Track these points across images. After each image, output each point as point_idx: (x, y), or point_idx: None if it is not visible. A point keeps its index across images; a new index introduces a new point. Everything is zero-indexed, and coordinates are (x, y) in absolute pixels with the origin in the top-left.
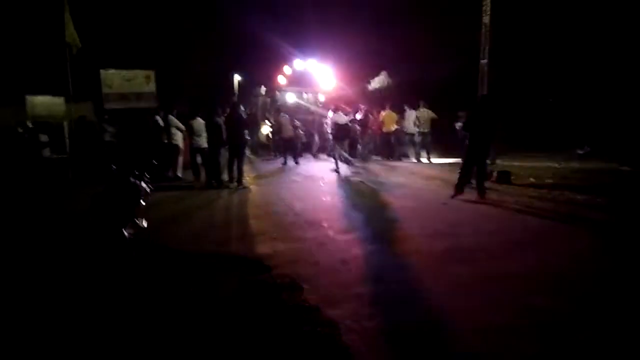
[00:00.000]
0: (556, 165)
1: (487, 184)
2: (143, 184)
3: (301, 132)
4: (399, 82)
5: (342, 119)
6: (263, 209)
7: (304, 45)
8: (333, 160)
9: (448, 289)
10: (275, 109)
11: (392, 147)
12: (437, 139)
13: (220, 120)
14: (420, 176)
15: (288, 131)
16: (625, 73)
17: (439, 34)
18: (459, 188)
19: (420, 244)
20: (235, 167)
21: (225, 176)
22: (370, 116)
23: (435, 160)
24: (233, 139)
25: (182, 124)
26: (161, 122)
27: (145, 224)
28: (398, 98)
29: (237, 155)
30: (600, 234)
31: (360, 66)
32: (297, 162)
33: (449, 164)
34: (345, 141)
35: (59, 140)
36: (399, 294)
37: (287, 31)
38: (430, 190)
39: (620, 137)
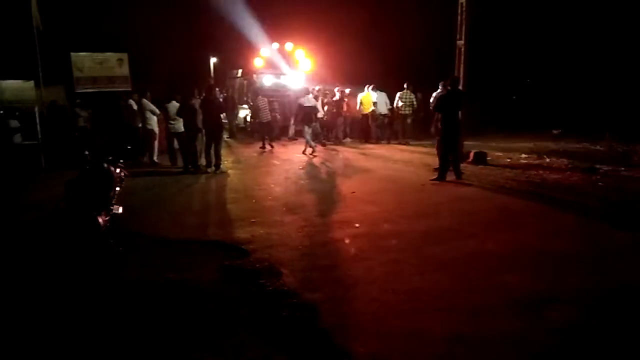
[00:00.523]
0: (531, 145)
1: (463, 165)
2: (117, 170)
3: (278, 115)
4: (377, 62)
5: (309, 101)
6: (241, 193)
7: (281, 27)
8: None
9: (427, 270)
10: (252, 92)
11: (369, 129)
12: (420, 121)
13: (197, 103)
14: (399, 159)
15: (266, 115)
16: (599, 55)
17: (417, 14)
18: (441, 175)
19: (400, 226)
20: (212, 152)
21: (202, 161)
22: (345, 99)
23: (414, 142)
24: (210, 123)
25: (157, 107)
26: (135, 106)
27: (120, 210)
28: (377, 79)
29: (214, 139)
30: (573, 213)
31: (339, 47)
32: (271, 146)
33: (427, 145)
34: (311, 124)
35: (30, 125)
36: (379, 276)
37: (264, 12)
38: (408, 172)
39: (592, 118)
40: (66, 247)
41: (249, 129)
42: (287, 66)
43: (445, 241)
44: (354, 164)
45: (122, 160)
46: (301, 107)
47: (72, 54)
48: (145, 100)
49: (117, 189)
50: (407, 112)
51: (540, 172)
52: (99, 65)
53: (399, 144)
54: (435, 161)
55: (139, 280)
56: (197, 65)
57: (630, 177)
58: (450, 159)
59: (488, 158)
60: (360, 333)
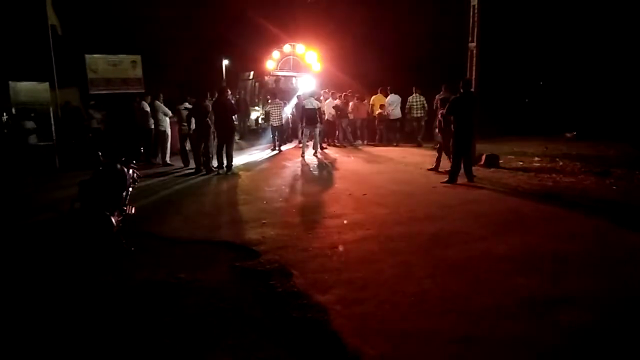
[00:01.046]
0: (544, 148)
1: (475, 168)
2: (130, 171)
3: (290, 117)
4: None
5: (311, 104)
6: (252, 194)
7: (294, 30)
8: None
9: (437, 272)
10: (264, 94)
11: (378, 132)
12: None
13: (209, 105)
14: (410, 161)
15: (277, 117)
16: (614, 57)
17: (429, 17)
18: (452, 178)
19: (411, 228)
20: (224, 153)
21: (214, 162)
22: (351, 102)
23: (426, 144)
24: (222, 125)
25: (170, 109)
26: (147, 108)
27: (133, 210)
28: (388, 82)
29: (226, 141)
30: (586, 216)
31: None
32: (279, 150)
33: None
34: (312, 126)
35: (45, 127)
36: (389, 279)
37: (276, 15)
38: (419, 174)
39: (607, 121)
40: (80, 247)
41: (260, 130)
42: (299, 68)
43: (456, 244)
44: (365, 166)
45: (134, 162)
46: (304, 109)
47: (87, 55)
48: (158, 102)
49: (130, 189)
50: (419, 114)
51: (553, 175)
52: (113, 67)
53: (412, 146)
54: (427, 161)
55: (151, 280)
56: (209, 68)
57: None
58: (462, 162)
59: (500, 161)
60: (370, 335)
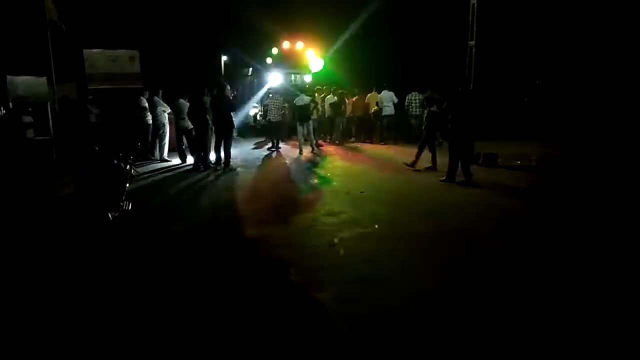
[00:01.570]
0: (542, 148)
1: (473, 167)
2: (128, 167)
3: (287, 114)
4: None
5: (302, 100)
6: (250, 191)
7: (292, 26)
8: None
9: (434, 271)
10: (263, 91)
11: (373, 129)
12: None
13: (207, 101)
14: (407, 159)
15: (275, 114)
16: (615, 56)
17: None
18: (450, 176)
19: (408, 226)
20: (222, 149)
21: (212, 158)
22: (346, 99)
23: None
24: (220, 121)
25: (169, 104)
26: (146, 103)
27: (130, 206)
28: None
29: (224, 137)
30: (582, 216)
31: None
32: (278, 147)
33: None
34: (305, 122)
35: (42, 121)
36: (387, 277)
37: (276, 12)
38: (417, 172)
39: (607, 122)
40: (77, 242)
41: (258, 127)
42: (298, 65)
43: (454, 242)
44: (362, 164)
45: (132, 157)
46: (295, 106)
47: (85, 50)
48: (156, 98)
49: (127, 185)
50: (418, 112)
51: (551, 175)
52: (111, 62)
53: (410, 144)
54: (424, 158)
55: (147, 276)
56: (208, 63)
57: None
58: (460, 160)
59: (498, 160)
60: (368, 334)
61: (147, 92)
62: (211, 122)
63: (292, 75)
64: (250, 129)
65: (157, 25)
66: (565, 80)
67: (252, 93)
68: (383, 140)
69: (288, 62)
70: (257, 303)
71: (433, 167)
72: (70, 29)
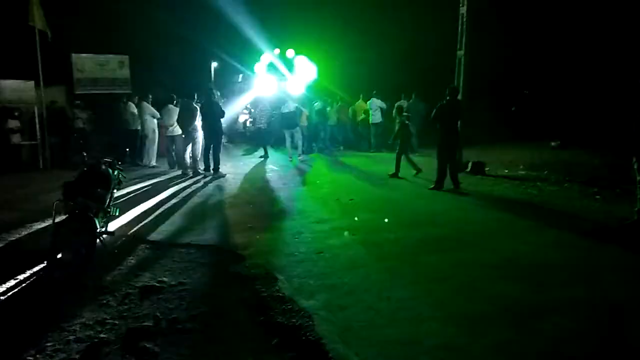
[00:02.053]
0: (529, 157)
1: (461, 175)
2: (115, 172)
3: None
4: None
5: (288, 108)
6: (239, 198)
7: (283, 34)
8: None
9: (422, 279)
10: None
11: (361, 137)
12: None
13: (197, 107)
14: (393, 168)
15: (264, 121)
16: (599, 66)
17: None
18: (438, 184)
19: (397, 234)
20: (211, 156)
21: (200, 164)
22: (329, 107)
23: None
24: (209, 127)
25: (158, 110)
26: (134, 109)
27: (117, 212)
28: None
29: (213, 144)
30: (569, 226)
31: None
32: (266, 153)
33: (426, 154)
34: (292, 130)
35: (29, 126)
36: (375, 284)
37: (267, 19)
38: (405, 180)
39: (592, 130)
40: (63, 249)
41: (247, 133)
42: (289, 73)
43: (441, 250)
44: (351, 171)
45: (120, 163)
46: (281, 113)
47: (73, 55)
48: (145, 103)
49: (115, 191)
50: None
51: (538, 184)
52: (100, 67)
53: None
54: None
55: (134, 282)
56: (198, 70)
57: (627, 191)
58: (447, 168)
59: (486, 168)
60: (355, 341)
61: (136, 98)
62: (200, 128)
63: (282, 83)
64: (240, 136)
65: (147, 31)
66: (553, 88)
67: (242, 100)
68: (372, 148)
69: (279, 69)
70: (243, 311)
71: (394, 174)
72: (60, 34)
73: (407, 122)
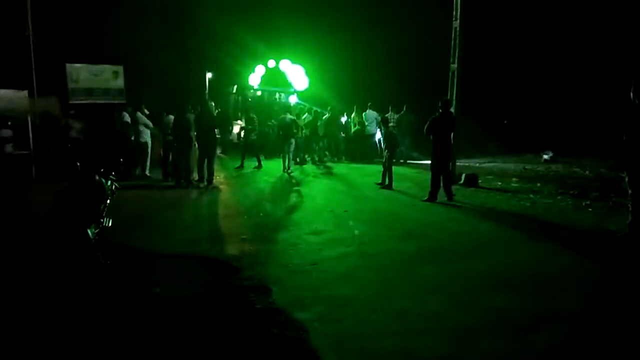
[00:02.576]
0: (522, 169)
1: (455, 187)
2: (109, 183)
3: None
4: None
5: (284, 119)
6: (233, 209)
7: (278, 45)
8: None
9: (416, 290)
10: (246, 108)
11: (357, 148)
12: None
13: (191, 117)
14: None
15: (258, 133)
16: (588, 82)
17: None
18: (432, 196)
19: (391, 245)
20: (205, 166)
21: (195, 175)
22: (322, 118)
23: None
24: (203, 138)
25: (154, 121)
26: (129, 119)
27: (110, 223)
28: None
29: (207, 154)
30: (561, 238)
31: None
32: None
33: (420, 165)
34: (287, 141)
35: (22, 135)
36: (369, 296)
37: (261, 30)
38: (399, 191)
39: (583, 142)
40: (55, 260)
41: (242, 144)
42: (283, 84)
43: (436, 262)
44: (345, 182)
45: (114, 173)
46: (277, 125)
47: (68, 64)
48: (139, 114)
49: (108, 202)
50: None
51: (531, 196)
52: (94, 76)
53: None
54: (407, 177)
55: (126, 294)
56: (193, 80)
57: (618, 204)
58: (440, 180)
59: (480, 181)
60: (349, 353)
61: (130, 108)
62: (195, 138)
63: (277, 94)
64: (234, 146)
65: (142, 42)
66: (545, 100)
67: (237, 110)
68: (365, 159)
69: (273, 80)
70: (238, 323)
71: (387, 186)
72: (54, 43)
73: (393, 132)
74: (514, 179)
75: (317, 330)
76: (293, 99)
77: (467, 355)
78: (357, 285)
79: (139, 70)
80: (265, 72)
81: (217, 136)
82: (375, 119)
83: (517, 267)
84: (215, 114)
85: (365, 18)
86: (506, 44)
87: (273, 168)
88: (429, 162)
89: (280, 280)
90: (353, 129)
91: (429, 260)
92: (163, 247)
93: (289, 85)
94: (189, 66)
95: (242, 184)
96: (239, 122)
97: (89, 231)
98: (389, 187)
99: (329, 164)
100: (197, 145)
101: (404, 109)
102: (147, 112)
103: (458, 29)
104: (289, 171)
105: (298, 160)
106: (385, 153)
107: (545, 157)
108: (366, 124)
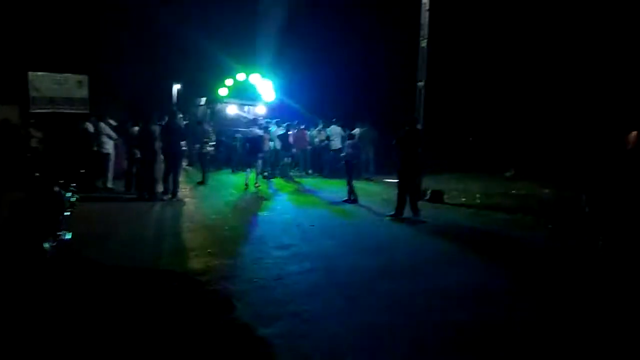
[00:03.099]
0: (485, 186)
1: (420, 203)
2: (69, 194)
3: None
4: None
5: (253, 133)
6: (197, 222)
7: (248, 58)
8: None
9: (379, 305)
10: (215, 121)
11: (322, 162)
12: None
13: (156, 129)
14: (360, 193)
15: (227, 146)
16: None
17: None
18: (398, 211)
19: (356, 260)
20: (170, 179)
21: (159, 187)
22: (289, 132)
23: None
24: (169, 149)
25: (120, 132)
26: (91, 129)
27: (69, 236)
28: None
29: (173, 167)
30: (523, 253)
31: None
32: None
33: (386, 181)
34: (255, 155)
35: None
36: (334, 312)
37: (231, 43)
38: (366, 207)
39: (542, 162)
40: (8, 274)
41: (209, 157)
42: (253, 97)
43: (401, 277)
44: (312, 197)
45: (74, 184)
46: (246, 138)
47: (30, 73)
48: (102, 124)
49: (67, 214)
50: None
51: (493, 212)
52: (58, 85)
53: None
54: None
55: (86, 309)
56: (160, 91)
57: (576, 222)
58: (407, 196)
59: (445, 197)
60: None
61: (94, 118)
62: (161, 150)
63: (246, 107)
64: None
65: (108, 51)
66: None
67: (206, 123)
68: (332, 174)
69: (242, 93)
70: (200, 340)
71: (352, 200)
72: (15, 51)
73: (350, 150)
74: (477, 196)
75: (282, 347)
76: (262, 112)
77: None
78: (322, 300)
79: (104, 80)
80: (235, 84)
81: (184, 148)
82: (340, 134)
83: (475, 283)
84: (183, 126)
85: (334, 36)
86: (473, 63)
87: (240, 182)
88: (394, 178)
89: (246, 295)
90: (317, 144)
91: (393, 275)
92: (125, 261)
93: (259, 98)
94: (157, 77)
95: (208, 197)
96: (208, 134)
97: (45, 244)
98: (355, 201)
99: (296, 178)
100: (162, 157)
101: (367, 125)
102: (112, 122)
103: (425, 48)
104: (256, 185)
105: (266, 174)
106: (346, 168)
107: (508, 174)
108: (331, 139)
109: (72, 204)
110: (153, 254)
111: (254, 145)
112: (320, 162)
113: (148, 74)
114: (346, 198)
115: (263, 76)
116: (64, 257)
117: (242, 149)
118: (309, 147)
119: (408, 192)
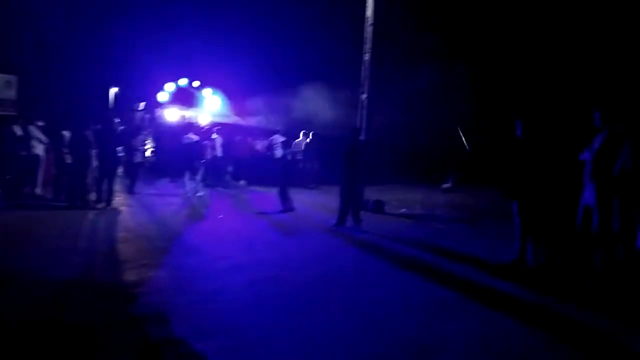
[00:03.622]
0: (424, 197)
1: (362, 212)
2: None
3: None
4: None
5: (188, 139)
6: (132, 232)
7: (190, 65)
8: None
9: (325, 316)
10: (154, 127)
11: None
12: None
13: (90, 134)
14: (300, 201)
15: (164, 152)
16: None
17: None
18: (340, 220)
19: (298, 272)
20: (104, 186)
21: (92, 195)
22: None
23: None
24: (104, 156)
25: (53, 136)
26: (20, 133)
27: None
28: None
29: (107, 174)
30: (458, 262)
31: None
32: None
33: (330, 190)
34: (192, 163)
35: None
36: (274, 325)
37: (172, 49)
38: (310, 216)
39: (479, 174)
40: None
41: (147, 164)
42: (194, 103)
43: (343, 288)
44: (253, 207)
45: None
46: (181, 145)
47: None
48: (32, 127)
49: None
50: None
51: (430, 222)
52: None
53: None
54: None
55: (10, 321)
56: (95, 95)
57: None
58: (349, 206)
59: (386, 207)
60: None
61: (22, 121)
62: (94, 156)
63: (187, 113)
64: (138, 166)
65: (40, 52)
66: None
67: (144, 128)
68: (273, 183)
69: (183, 99)
70: (131, 356)
71: (289, 209)
72: None
73: (289, 158)
74: (417, 206)
75: None
76: (204, 120)
77: None
78: (261, 313)
79: (35, 81)
80: (176, 90)
81: (120, 154)
82: (281, 143)
83: (415, 293)
84: (118, 131)
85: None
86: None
87: (177, 191)
88: (338, 188)
89: (181, 308)
90: (261, 153)
91: (336, 286)
92: (54, 272)
93: (200, 104)
94: (92, 80)
95: (144, 206)
96: (145, 140)
97: None
98: (291, 209)
99: (237, 187)
100: (96, 163)
101: (311, 135)
102: (39, 123)
103: (368, 61)
104: (195, 194)
105: (205, 183)
106: (282, 175)
107: (444, 186)
108: (274, 148)
109: None
110: (84, 265)
111: (189, 151)
112: (261, 171)
113: (83, 75)
114: (282, 208)
115: (205, 83)
116: None
117: (179, 156)
118: (250, 157)
119: (350, 202)
